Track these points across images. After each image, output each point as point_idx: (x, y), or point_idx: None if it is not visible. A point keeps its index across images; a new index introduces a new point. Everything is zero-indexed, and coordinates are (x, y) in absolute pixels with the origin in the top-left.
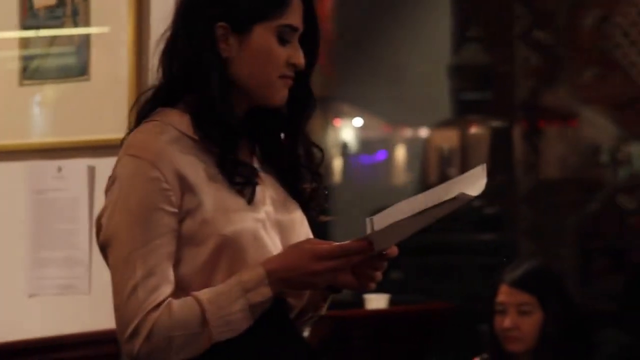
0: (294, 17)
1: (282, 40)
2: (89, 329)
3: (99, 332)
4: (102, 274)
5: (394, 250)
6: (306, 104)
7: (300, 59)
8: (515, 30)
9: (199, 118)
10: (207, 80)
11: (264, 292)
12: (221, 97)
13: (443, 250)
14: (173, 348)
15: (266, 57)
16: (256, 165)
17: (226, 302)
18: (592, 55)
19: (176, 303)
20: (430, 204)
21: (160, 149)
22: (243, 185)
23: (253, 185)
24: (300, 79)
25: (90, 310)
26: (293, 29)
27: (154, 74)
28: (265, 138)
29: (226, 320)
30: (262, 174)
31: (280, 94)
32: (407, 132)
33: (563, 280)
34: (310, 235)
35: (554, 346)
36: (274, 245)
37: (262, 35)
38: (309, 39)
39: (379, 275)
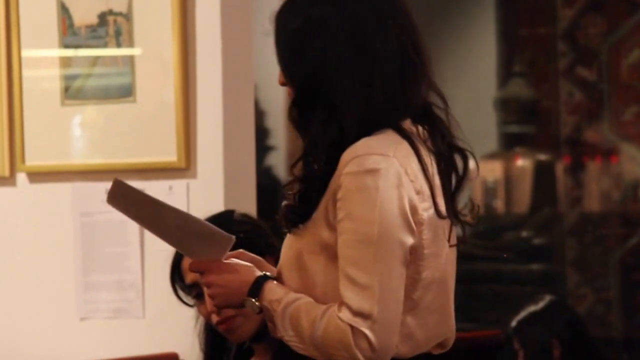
0: None
1: None
2: (144, 353)
3: (154, 355)
4: (156, 297)
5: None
6: None
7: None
8: (559, 67)
9: None
10: None
11: None
12: None
13: (492, 279)
14: None
15: None
16: None
17: None
18: (633, 93)
19: None
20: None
21: None
22: None
23: None
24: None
25: (145, 334)
26: None
27: (202, 96)
28: None
29: None
30: None
31: None
32: None
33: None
34: None
35: None
36: None
37: None
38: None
39: None
